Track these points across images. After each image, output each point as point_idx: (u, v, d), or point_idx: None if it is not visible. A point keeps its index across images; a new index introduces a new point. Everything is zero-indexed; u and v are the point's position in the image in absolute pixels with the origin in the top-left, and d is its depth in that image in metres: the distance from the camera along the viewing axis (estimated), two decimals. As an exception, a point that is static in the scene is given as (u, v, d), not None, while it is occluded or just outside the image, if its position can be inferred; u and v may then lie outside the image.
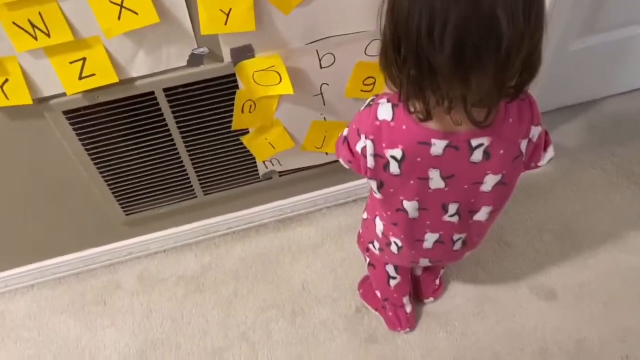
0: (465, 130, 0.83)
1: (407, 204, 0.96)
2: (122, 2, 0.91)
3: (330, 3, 1.01)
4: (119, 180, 1.25)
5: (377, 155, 0.89)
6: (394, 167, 0.89)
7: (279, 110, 1.19)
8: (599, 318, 1.34)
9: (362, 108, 0.92)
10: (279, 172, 1.38)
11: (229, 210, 1.48)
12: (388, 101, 0.87)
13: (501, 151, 0.86)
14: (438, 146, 0.84)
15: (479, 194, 0.94)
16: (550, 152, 0.92)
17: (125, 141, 1.16)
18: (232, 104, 1.15)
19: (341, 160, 0.99)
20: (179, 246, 1.51)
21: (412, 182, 0.91)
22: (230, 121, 1.19)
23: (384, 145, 0.87)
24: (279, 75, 1.10)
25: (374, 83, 1.21)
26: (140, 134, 1.16)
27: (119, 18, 0.92)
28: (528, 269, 1.42)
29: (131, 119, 1.12)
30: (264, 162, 1.33)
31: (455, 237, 1.05)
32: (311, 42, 1.08)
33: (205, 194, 1.37)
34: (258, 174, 1.36)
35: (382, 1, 0.75)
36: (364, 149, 0.89)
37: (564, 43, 1.46)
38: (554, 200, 1.55)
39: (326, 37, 1.08)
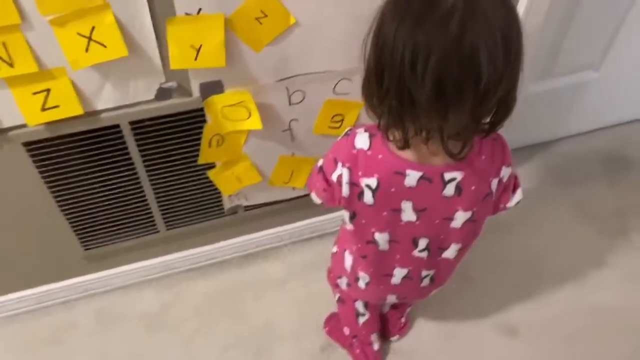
0: (439, 163, 0.84)
1: (378, 236, 0.96)
2: (90, 35, 0.89)
3: (301, 42, 1.03)
4: (79, 213, 1.21)
5: (352, 184, 0.89)
6: (367, 197, 0.89)
7: (247, 145, 1.18)
8: (559, 356, 1.36)
9: (339, 138, 0.92)
10: (245, 206, 1.37)
11: (192, 246, 1.45)
12: (365, 131, 0.87)
13: (473, 187, 0.87)
14: (412, 177, 0.85)
15: (449, 230, 0.94)
16: (518, 195, 0.95)
17: (87, 174, 1.13)
18: (199, 138, 1.13)
19: (314, 193, 0.98)
20: (139, 282, 1.47)
21: (384, 213, 0.91)
22: (197, 155, 1.17)
23: (360, 173, 0.87)
24: (248, 110, 1.09)
25: (342, 120, 1.22)
26: (103, 167, 1.13)
27: (86, 50, 0.91)
28: (492, 305, 1.44)
29: (94, 152, 1.09)
30: (229, 196, 1.31)
31: (424, 273, 1.05)
32: (281, 80, 1.09)
33: (168, 229, 1.34)
34: (223, 208, 1.34)
35: (368, 31, 0.76)
36: (340, 177, 0.89)
37: (525, 84, 1.51)
38: (517, 236, 1.58)
39: (296, 75, 1.09)
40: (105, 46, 0.91)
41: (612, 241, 1.57)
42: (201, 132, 1.12)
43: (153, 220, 1.30)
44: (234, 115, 1.10)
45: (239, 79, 1.05)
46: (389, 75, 0.73)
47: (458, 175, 0.85)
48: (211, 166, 1.21)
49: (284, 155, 1.25)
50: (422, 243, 0.97)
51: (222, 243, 1.47)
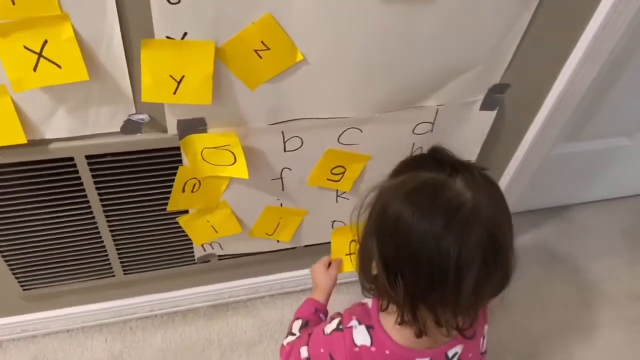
0: (443, 341, 0.80)
1: None
2: (41, 51, 0.70)
3: (306, 83, 0.84)
4: (18, 251, 1.01)
5: None
6: None
7: (227, 192, 0.99)
8: None
9: (326, 329, 0.85)
10: (219, 255, 1.17)
11: (153, 291, 1.25)
12: (360, 323, 0.81)
13: (470, 354, 0.85)
14: None
15: None
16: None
17: (29, 209, 0.93)
18: (170, 180, 0.94)
19: None
20: (86, 327, 1.26)
21: None
22: (166, 198, 0.98)
23: None
24: (234, 155, 0.90)
25: (344, 173, 1.03)
26: (50, 202, 0.93)
27: (34, 69, 0.71)
28: None
29: (41, 186, 0.89)
30: (202, 245, 1.11)
31: None
32: (277, 123, 0.90)
33: (125, 274, 1.14)
34: (193, 256, 1.15)
35: (371, 217, 0.75)
36: None
37: (549, 147, 1.35)
38: (521, 319, 1.40)
39: (295, 119, 0.90)
40: (59, 66, 0.71)
41: (627, 332, 1.41)
42: (173, 174, 0.93)
43: (109, 264, 1.10)
44: (216, 159, 0.91)
45: (226, 119, 0.86)
46: (415, 272, 0.71)
47: (459, 348, 0.83)
48: (183, 211, 1.02)
49: (270, 205, 1.06)
50: None
51: (189, 290, 1.27)
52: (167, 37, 0.73)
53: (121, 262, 1.10)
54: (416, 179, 0.71)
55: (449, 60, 0.89)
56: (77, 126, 0.82)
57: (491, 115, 1.03)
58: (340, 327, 0.83)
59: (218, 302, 1.32)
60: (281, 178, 1.01)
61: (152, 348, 1.25)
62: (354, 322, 0.82)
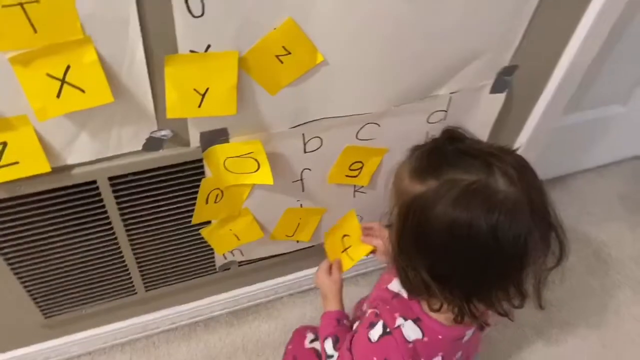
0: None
1: None
2: (64, 77, 0.68)
3: (326, 83, 0.83)
4: (39, 279, 0.98)
5: None
6: None
7: (249, 199, 0.99)
8: None
9: (371, 336, 0.84)
10: (239, 262, 1.16)
11: (174, 304, 1.23)
12: (406, 319, 0.82)
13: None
14: (469, 334, 0.86)
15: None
16: None
17: (51, 237, 0.91)
18: (192, 192, 0.93)
19: None
20: (108, 347, 1.24)
21: None
22: (187, 211, 0.96)
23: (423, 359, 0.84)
24: (257, 162, 0.89)
25: (361, 168, 1.03)
26: (71, 228, 0.90)
27: (58, 96, 0.69)
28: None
29: (62, 212, 0.87)
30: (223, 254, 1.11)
31: None
32: (297, 126, 0.89)
33: (147, 290, 1.12)
34: (214, 266, 1.14)
35: (408, 231, 0.75)
36: None
37: (555, 122, 1.37)
38: (529, 290, 1.43)
39: (316, 120, 0.90)
40: (83, 91, 0.69)
41: (636, 292, 1.45)
42: (195, 187, 0.91)
43: (131, 282, 1.08)
44: (238, 167, 0.90)
45: (248, 127, 0.85)
46: (466, 255, 0.72)
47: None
48: (206, 223, 1.00)
49: (291, 207, 1.06)
50: None
51: (209, 299, 1.26)
52: (191, 51, 0.71)
53: (143, 279, 1.08)
54: (457, 186, 0.71)
55: (462, 48, 0.89)
56: (100, 149, 0.80)
57: (500, 97, 1.04)
58: (388, 330, 0.82)
59: (238, 308, 1.31)
60: (301, 179, 1.01)
61: (178, 361, 1.24)
62: (400, 321, 0.82)
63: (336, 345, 0.95)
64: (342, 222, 1.09)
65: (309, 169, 0.99)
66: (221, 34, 0.71)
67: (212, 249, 1.08)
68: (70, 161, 0.79)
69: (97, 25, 0.65)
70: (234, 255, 1.13)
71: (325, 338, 0.97)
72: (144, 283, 1.09)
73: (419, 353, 0.81)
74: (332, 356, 0.94)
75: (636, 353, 1.34)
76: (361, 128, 0.95)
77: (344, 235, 1.09)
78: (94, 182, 0.84)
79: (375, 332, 0.83)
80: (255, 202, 1.00)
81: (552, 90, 1.07)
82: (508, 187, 0.70)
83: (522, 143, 1.20)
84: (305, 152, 0.95)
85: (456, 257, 0.72)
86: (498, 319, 0.83)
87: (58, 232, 0.90)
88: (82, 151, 0.79)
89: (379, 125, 0.95)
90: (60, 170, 0.80)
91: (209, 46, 0.71)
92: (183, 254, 1.06)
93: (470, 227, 0.68)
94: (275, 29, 0.73)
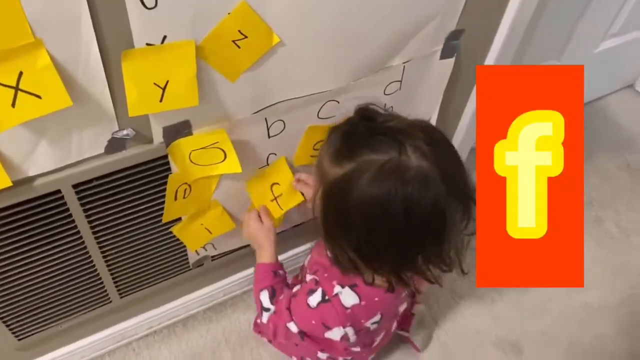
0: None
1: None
2: (17, 84, 0.65)
3: (284, 65, 0.83)
4: (8, 301, 0.94)
5: (359, 331, 0.90)
6: (374, 327, 0.92)
7: (217, 190, 0.98)
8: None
9: (310, 302, 0.88)
10: (212, 256, 1.15)
11: (150, 308, 1.21)
12: (343, 286, 0.86)
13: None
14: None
15: None
16: None
17: (17, 254, 0.87)
18: (159, 191, 0.91)
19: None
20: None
21: (388, 323, 1.02)
22: (156, 210, 0.94)
23: (363, 321, 0.89)
24: (224, 152, 0.89)
25: (325, 148, 1.04)
26: (38, 242, 0.87)
27: (13, 105, 0.66)
28: (488, 323, 1.34)
29: (27, 227, 0.84)
30: (196, 250, 1.09)
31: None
32: (260, 110, 0.89)
33: (122, 297, 1.09)
34: (188, 263, 1.12)
35: (332, 212, 0.79)
36: (344, 336, 0.89)
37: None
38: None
39: (277, 103, 0.90)
40: (39, 97, 0.67)
41: (591, 234, 1.53)
42: (162, 184, 0.90)
43: (104, 291, 1.05)
44: (204, 159, 0.89)
45: (210, 117, 0.84)
46: (386, 232, 0.75)
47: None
48: (175, 220, 0.99)
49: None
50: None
51: (184, 298, 1.25)
52: (147, 44, 0.70)
53: (116, 286, 1.06)
54: (371, 167, 0.73)
55: (411, 15, 0.91)
56: (61, 156, 0.77)
57: (450, 62, 1.06)
58: (327, 297, 0.86)
59: (215, 303, 1.30)
60: (267, 164, 1.00)
61: (162, 364, 1.22)
62: (337, 289, 0.86)
63: (273, 298, 0.96)
64: (272, 170, 1.02)
65: (275, 154, 0.99)
66: (176, 24, 0.70)
67: (184, 247, 1.06)
68: (31, 172, 0.76)
69: (47, 27, 0.62)
70: (206, 250, 1.12)
71: (261, 290, 0.97)
72: (118, 290, 1.07)
73: (357, 316, 0.86)
74: (269, 309, 0.95)
75: (596, 290, 1.42)
76: (322, 107, 0.96)
77: (274, 184, 1.04)
78: (58, 191, 0.81)
79: (314, 299, 0.87)
80: (224, 193, 0.99)
81: (497, 50, 1.11)
82: (420, 162, 0.72)
83: (472, 106, 1.24)
84: (269, 136, 0.95)
85: (378, 236, 0.75)
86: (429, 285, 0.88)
87: (24, 249, 0.87)
88: (43, 161, 0.76)
89: (338, 102, 0.96)
90: (22, 182, 0.77)
91: (165, 37, 0.70)
92: (155, 255, 1.04)
93: (386, 204, 0.71)
94: (229, 13, 0.72)
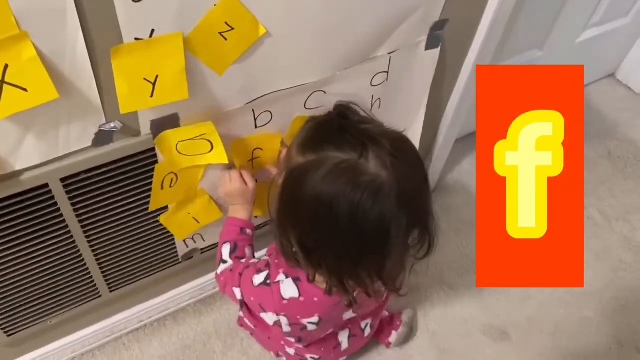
0: None
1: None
2: (3, 77, 0.64)
3: (270, 56, 0.84)
4: (-3, 297, 0.94)
5: (293, 324, 0.90)
6: (312, 327, 0.91)
7: (204, 180, 0.98)
8: (551, 350, 1.31)
9: (255, 280, 0.89)
10: (201, 249, 1.16)
11: (139, 301, 1.21)
12: (287, 276, 0.86)
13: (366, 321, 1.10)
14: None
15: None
16: None
17: (4, 250, 0.87)
18: (147, 183, 0.91)
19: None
20: (78, 355, 1.20)
21: (330, 328, 1.00)
22: (143, 202, 0.95)
23: (298, 317, 0.88)
24: (211, 143, 0.89)
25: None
26: (26, 237, 0.87)
27: (-1, 98, 0.66)
28: (475, 311, 1.36)
29: (15, 222, 0.83)
30: (184, 240, 1.09)
31: (363, 324, 1.10)
32: (247, 103, 0.89)
33: (111, 291, 1.09)
34: (177, 256, 1.12)
35: (285, 200, 0.78)
36: (277, 322, 0.89)
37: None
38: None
39: (264, 95, 0.90)
40: (26, 90, 0.66)
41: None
42: (149, 176, 0.90)
43: (94, 285, 1.05)
44: (192, 150, 0.89)
45: (198, 110, 0.84)
46: (342, 252, 0.76)
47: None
48: (163, 210, 0.99)
49: (247, 185, 1.06)
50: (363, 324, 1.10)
51: (174, 291, 1.25)
52: (136, 39, 0.69)
53: (106, 280, 1.06)
54: (328, 162, 0.72)
55: (396, 5, 0.91)
56: (49, 150, 0.77)
57: (436, 52, 1.07)
58: (268, 282, 0.87)
59: (205, 296, 1.31)
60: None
61: (153, 357, 1.22)
62: (281, 277, 0.87)
63: (233, 253, 0.96)
64: (261, 136, 0.99)
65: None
66: (163, 17, 0.70)
67: (173, 239, 1.07)
68: (18, 166, 0.76)
69: (33, 19, 0.62)
70: (195, 242, 1.12)
71: (225, 243, 0.98)
72: (108, 284, 1.07)
73: (293, 310, 0.86)
74: (226, 262, 0.97)
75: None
76: (308, 97, 0.96)
77: (256, 148, 1.01)
78: (46, 185, 0.81)
79: (258, 279, 0.89)
80: (211, 182, 0.99)
81: (480, 41, 1.12)
82: (379, 170, 0.71)
83: (459, 94, 1.25)
84: (256, 127, 0.95)
85: (320, 232, 0.75)
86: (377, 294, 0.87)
87: (11, 244, 0.87)
88: (30, 154, 0.75)
89: (325, 92, 0.97)
90: (9, 177, 0.76)
91: (153, 31, 0.70)
92: (145, 248, 1.04)
93: (333, 203, 0.70)
94: (215, 5, 0.73)
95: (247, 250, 0.99)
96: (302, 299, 0.86)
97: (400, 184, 0.72)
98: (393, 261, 0.77)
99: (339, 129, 0.77)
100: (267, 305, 0.89)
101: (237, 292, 0.93)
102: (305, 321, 0.89)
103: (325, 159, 0.72)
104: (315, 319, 0.89)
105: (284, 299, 0.86)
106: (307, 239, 0.77)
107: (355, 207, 0.70)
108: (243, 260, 0.97)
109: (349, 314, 0.96)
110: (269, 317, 0.90)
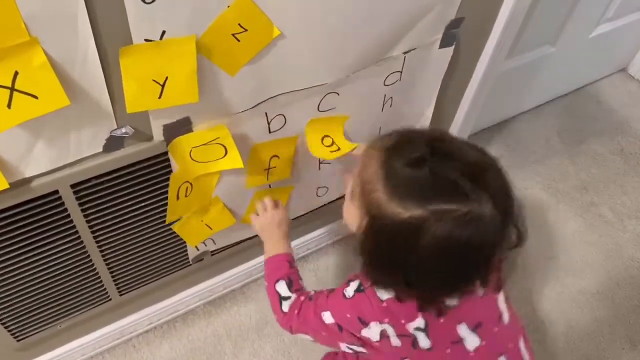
0: None
1: None
2: (13, 84, 0.63)
3: (284, 57, 0.82)
4: (7, 302, 0.93)
5: (401, 336, 0.79)
6: (423, 341, 0.78)
7: (218, 187, 0.96)
8: (563, 350, 1.30)
9: (347, 292, 0.82)
10: (212, 251, 1.14)
11: (149, 304, 1.20)
12: None
13: None
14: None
15: (505, 330, 0.84)
16: None
17: (15, 256, 0.85)
18: (158, 188, 0.89)
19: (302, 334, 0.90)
20: (87, 358, 1.19)
21: (448, 351, 0.80)
22: (156, 207, 0.93)
23: (403, 321, 0.78)
24: (224, 147, 0.87)
25: (333, 142, 1.02)
26: (37, 244, 0.85)
27: (9, 106, 0.64)
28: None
29: (25, 228, 0.82)
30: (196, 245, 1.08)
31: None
32: (259, 104, 0.87)
33: (121, 294, 1.08)
34: (187, 259, 1.11)
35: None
36: (384, 332, 0.79)
37: (494, 66, 1.40)
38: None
39: (276, 96, 0.88)
40: (36, 97, 0.65)
41: (585, 219, 1.54)
42: (161, 182, 0.88)
43: (104, 289, 1.03)
44: (205, 156, 0.87)
45: (211, 112, 0.83)
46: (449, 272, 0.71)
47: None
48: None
49: (259, 190, 1.04)
50: None
51: (183, 293, 1.24)
52: (146, 40, 0.67)
53: (116, 284, 1.04)
54: (447, 218, 0.67)
55: (410, 5, 0.89)
56: (59, 156, 0.75)
57: (449, 51, 1.05)
58: (362, 288, 0.81)
59: (214, 297, 1.29)
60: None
61: (163, 359, 1.21)
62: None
63: (291, 287, 0.92)
64: (280, 142, 0.97)
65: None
66: (175, 19, 0.68)
67: (184, 243, 1.05)
68: (28, 173, 0.74)
69: (43, 25, 0.60)
70: (206, 246, 1.10)
71: (278, 281, 0.92)
72: (117, 288, 1.05)
73: (394, 312, 0.79)
74: (289, 297, 0.91)
75: (592, 275, 1.43)
76: (322, 99, 0.94)
77: (273, 156, 0.99)
78: (56, 192, 0.79)
79: (351, 289, 0.82)
80: (225, 189, 0.98)
81: (496, 38, 1.10)
82: (491, 210, 0.68)
83: (471, 92, 1.23)
84: (270, 132, 0.93)
85: (438, 275, 0.71)
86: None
87: (22, 250, 0.85)
88: (40, 161, 0.74)
89: (338, 94, 0.95)
90: (19, 184, 0.75)
91: (163, 32, 0.68)
92: (155, 252, 1.03)
93: (463, 250, 0.68)
94: (228, 6, 0.71)
95: (301, 282, 0.94)
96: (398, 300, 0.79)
97: (505, 211, 0.70)
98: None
99: (439, 172, 0.70)
100: (367, 315, 0.80)
101: (327, 316, 0.85)
102: (411, 327, 0.79)
103: (441, 214, 0.68)
104: (420, 322, 0.79)
105: (381, 300, 0.79)
106: (418, 281, 0.72)
107: (481, 247, 0.69)
108: (304, 291, 0.92)
109: (470, 340, 0.80)
110: (373, 332, 0.80)
